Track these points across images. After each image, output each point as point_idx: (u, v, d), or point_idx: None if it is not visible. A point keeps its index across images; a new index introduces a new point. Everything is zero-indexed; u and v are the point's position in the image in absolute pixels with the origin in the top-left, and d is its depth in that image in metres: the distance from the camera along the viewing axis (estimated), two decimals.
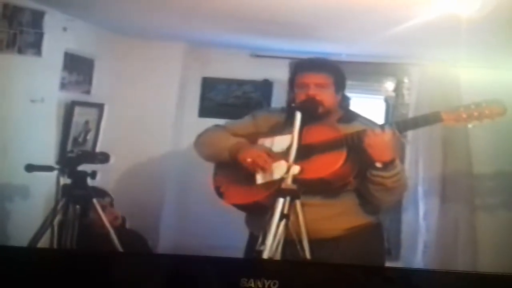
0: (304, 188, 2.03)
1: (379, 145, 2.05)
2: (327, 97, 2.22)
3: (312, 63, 2.30)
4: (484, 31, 2.44)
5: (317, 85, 2.22)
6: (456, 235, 3.14)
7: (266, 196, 2.18)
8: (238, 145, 2.28)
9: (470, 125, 2.03)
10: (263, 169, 2.22)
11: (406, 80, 3.47)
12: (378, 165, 2.08)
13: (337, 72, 2.28)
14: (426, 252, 3.27)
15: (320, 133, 2.16)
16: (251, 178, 2.25)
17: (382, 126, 2.09)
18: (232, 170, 2.31)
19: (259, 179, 2.24)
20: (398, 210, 3.48)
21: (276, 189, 2.05)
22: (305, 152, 2.07)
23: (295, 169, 2.01)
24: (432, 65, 3.29)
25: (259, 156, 2.21)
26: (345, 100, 2.34)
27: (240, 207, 2.31)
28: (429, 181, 3.31)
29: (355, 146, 2.11)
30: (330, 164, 2.12)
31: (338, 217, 2.21)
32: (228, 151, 2.27)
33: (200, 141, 2.43)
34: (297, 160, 2.01)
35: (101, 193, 2.64)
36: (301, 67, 2.30)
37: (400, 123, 2.13)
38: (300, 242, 2.02)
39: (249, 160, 2.21)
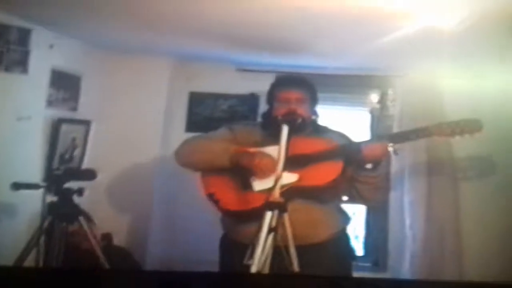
0: (302, 195, 2.18)
1: (374, 155, 2.23)
2: (305, 111, 2.34)
3: (292, 80, 2.44)
4: (466, 43, 2.49)
5: (297, 100, 2.34)
6: (442, 243, 3.16)
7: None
8: (240, 151, 2.29)
9: (452, 139, 2.23)
10: (267, 175, 2.23)
11: (390, 92, 3.51)
12: (368, 166, 2.26)
13: (312, 89, 2.41)
14: (413, 261, 3.29)
15: (310, 144, 2.27)
16: (248, 185, 2.29)
17: (377, 138, 2.28)
18: (226, 177, 2.32)
19: (257, 185, 2.27)
20: (385, 221, 3.51)
21: (264, 201, 2.05)
22: (300, 161, 2.20)
23: (292, 176, 2.14)
24: (416, 76, 3.32)
25: (268, 161, 2.22)
26: (315, 114, 2.46)
27: (237, 213, 2.31)
28: (414, 191, 3.34)
29: (351, 156, 2.25)
30: (329, 173, 2.24)
31: (323, 222, 2.29)
32: (229, 157, 2.28)
33: (187, 150, 2.41)
34: (293, 167, 2.12)
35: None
36: (282, 82, 2.44)
37: (392, 136, 2.30)
38: (288, 253, 2.03)
39: (262, 165, 2.23)
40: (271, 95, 2.41)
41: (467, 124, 2.19)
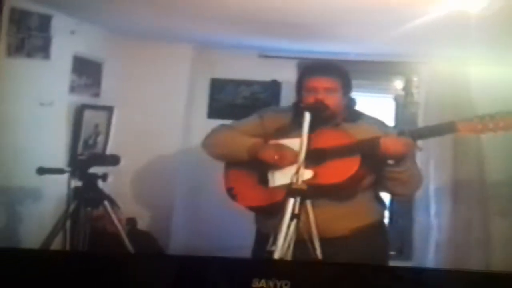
0: (318, 192, 2.07)
1: (394, 152, 2.12)
2: (335, 100, 2.24)
3: (321, 67, 2.32)
4: (494, 29, 2.44)
5: (325, 89, 2.23)
6: (468, 233, 3.13)
7: (283, 198, 2.17)
8: (257, 145, 2.28)
9: (483, 136, 2.08)
10: (281, 171, 2.22)
11: (415, 79, 3.47)
12: (390, 162, 2.15)
13: (344, 76, 2.29)
14: (438, 251, 3.27)
15: (331, 138, 2.19)
16: (264, 180, 2.27)
17: (397, 134, 2.12)
18: (245, 172, 2.32)
19: (273, 181, 2.25)
20: (410, 209, 3.47)
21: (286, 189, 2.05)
22: (318, 157, 2.12)
23: (307, 173, 2.04)
24: (441, 63, 3.28)
25: (285, 154, 2.21)
26: (351, 102, 2.36)
27: (256, 209, 2.32)
28: (440, 180, 3.30)
29: (369, 152, 2.15)
30: (345, 170, 2.16)
31: (348, 217, 2.23)
32: (247, 151, 2.27)
33: (212, 142, 2.42)
34: (309, 163, 2.04)
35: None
36: (310, 70, 2.32)
37: (415, 132, 2.16)
38: (311, 241, 2.03)
39: (276, 157, 2.21)
40: (299, 84, 2.31)
41: (504, 119, 2.00)
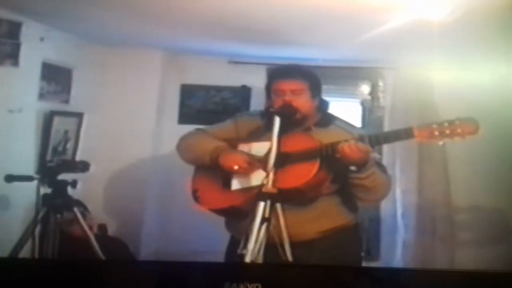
0: (282, 196, 2.06)
1: (352, 158, 2.08)
2: (303, 102, 2.25)
3: (287, 71, 2.34)
4: (456, 34, 2.50)
5: (292, 91, 2.25)
6: (434, 232, 3.19)
7: (243, 201, 2.20)
8: (219, 149, 2.31)
9: (440, 143, 2.02)
10: (243, 174, 2.25)
11: (381, 84, 3.54)
12: (352, 168, 2.12)
13: (311, 78, 2.31)
14: (405, 251, 3.32)
15: (296, 142, 2.19)
16: (228, 183, 2.28)
17: (357, 140, 2.08)
18: (210, 175, 2.33)
19: (235, 184, 2.27)
20: (377, 210, 3.53)
21: (256, 193, 2.07)
22: (280, 161, 2.09)
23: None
24: (406, 68, 3.35)
25: (240, 163, 2.24)
26: (323, 104, 2.37)
27: (216, 211, 2.34)
28: (406, 181, 3.36)
29: (329, 157, 2.14)
30: (303, 175, 2.14)
31: (314, 220, 2.23)
32: (209, 155, 2.30)
33: (182, 145, 2.45)
34: (275, 166, 2.04)
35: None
36: (276, 74, 2.35)
37: (373, 137, 2.10)
38: (282, 244, 2.05)
39: (231, 165, 2.24)
40: (268, 89, 2.34)
41: (462, 125, 1.97)
